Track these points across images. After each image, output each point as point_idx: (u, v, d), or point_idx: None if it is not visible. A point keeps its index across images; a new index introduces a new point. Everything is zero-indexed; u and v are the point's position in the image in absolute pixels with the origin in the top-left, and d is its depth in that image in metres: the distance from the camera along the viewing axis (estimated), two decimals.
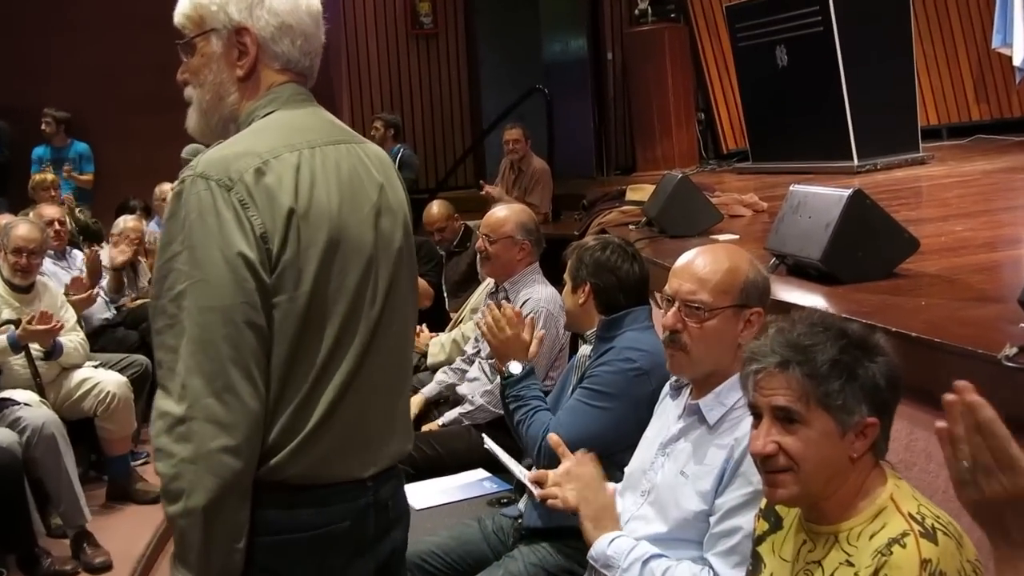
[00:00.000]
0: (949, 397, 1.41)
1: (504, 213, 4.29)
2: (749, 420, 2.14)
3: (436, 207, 6.36)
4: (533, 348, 3.14)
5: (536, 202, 7.93)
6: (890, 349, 1.76)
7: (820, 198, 3.26)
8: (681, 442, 2.30)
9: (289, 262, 1.69)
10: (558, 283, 3.66)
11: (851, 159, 6.98)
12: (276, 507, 1.72)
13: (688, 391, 2.35)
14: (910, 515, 1.69)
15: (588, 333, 3.17)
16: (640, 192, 5.86)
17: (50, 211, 6.37)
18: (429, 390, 4.55)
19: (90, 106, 9.54)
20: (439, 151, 10.81)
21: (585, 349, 3.19)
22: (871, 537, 1.70)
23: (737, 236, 4.58)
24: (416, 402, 4.41)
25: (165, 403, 1.65)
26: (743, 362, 1.82)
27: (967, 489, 1.42)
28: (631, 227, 5.36)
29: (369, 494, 1.82)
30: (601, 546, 2.25)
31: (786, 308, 2.82)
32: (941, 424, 1.42)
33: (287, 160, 1.73)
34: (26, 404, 4.63)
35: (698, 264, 2.30)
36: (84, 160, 9.39)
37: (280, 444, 1.70)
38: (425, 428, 4.35)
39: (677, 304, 2.28)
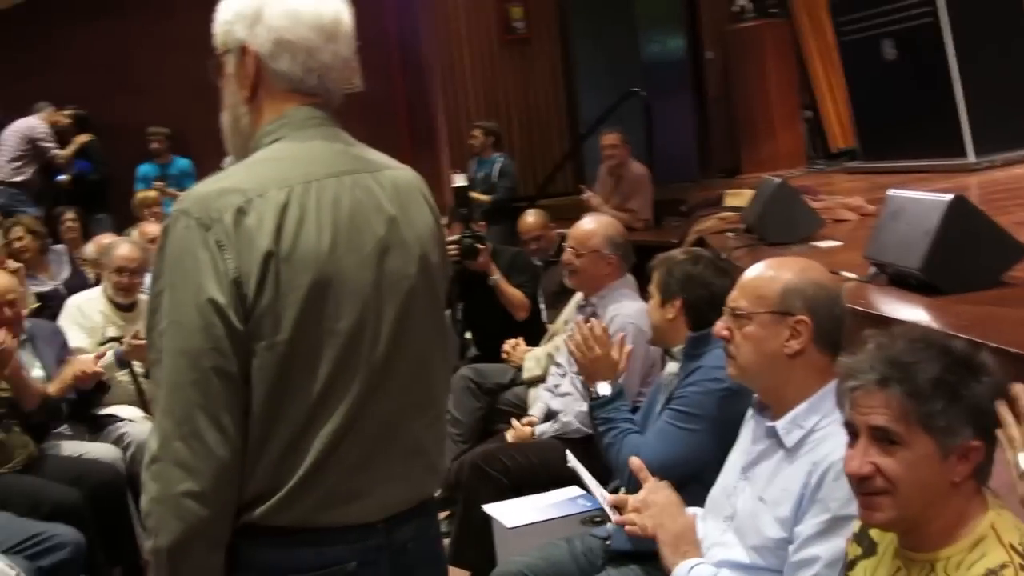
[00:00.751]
0: (1002, 404, 1.42)
1: (591, 226, 4.29)
2: (829, 443, 2.13)
3: (531, 216, 6.39)
4: (622, 364, 3.14)
5: (636, 208, 7.91)
6: (997, 368, 1.72)
7: (919, 204, 3.20)
8: (761, 466, 2.29)
9: (266, 307, 1.65)
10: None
11: (967, 155, 6.79)
12: (274, 547, 1.72)
13: (767, 415, 2.34)
14: (1011, 546, 1.66)
15: (676, 350, 3.16)
16: (739, 198, 5.81)
17: (152, 229, 6.60)
18: (538, 414, 4.55)
19: (192, 123, 9.85)
20: (537, 159, 10.85)
21: (673, 367, 3.18)
22: (970, 567, 1.67)
23: (840, 243, 4.51)
24: (525, 431, 4.43)
25: (150, 438, 1.68)
26: (840, 377, 1.80)
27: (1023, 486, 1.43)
28: (730, 234, 5.32)
29: (380, 536, 1.78)
30: (680, 572, 2.24)
31: (884, 320, 2.77)
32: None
33: (273, 198, 1.68)
34: (130, 420, 4.83)
35: (749, 273, 2.38)
36: (186, 177, 9.71)
37: (268, 492, 1.69)
38: (521, 435, 4.37)
39: (727, 312, 2.37)
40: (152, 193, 8.56)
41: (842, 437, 1.86)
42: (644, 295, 3.62)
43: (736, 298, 2.37)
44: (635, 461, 2.56)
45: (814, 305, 2.26)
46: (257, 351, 1.65)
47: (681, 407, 2.92)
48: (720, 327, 2.38)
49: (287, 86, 1.79)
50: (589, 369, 3.14)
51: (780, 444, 2.25)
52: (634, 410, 3.50)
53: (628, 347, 3.26)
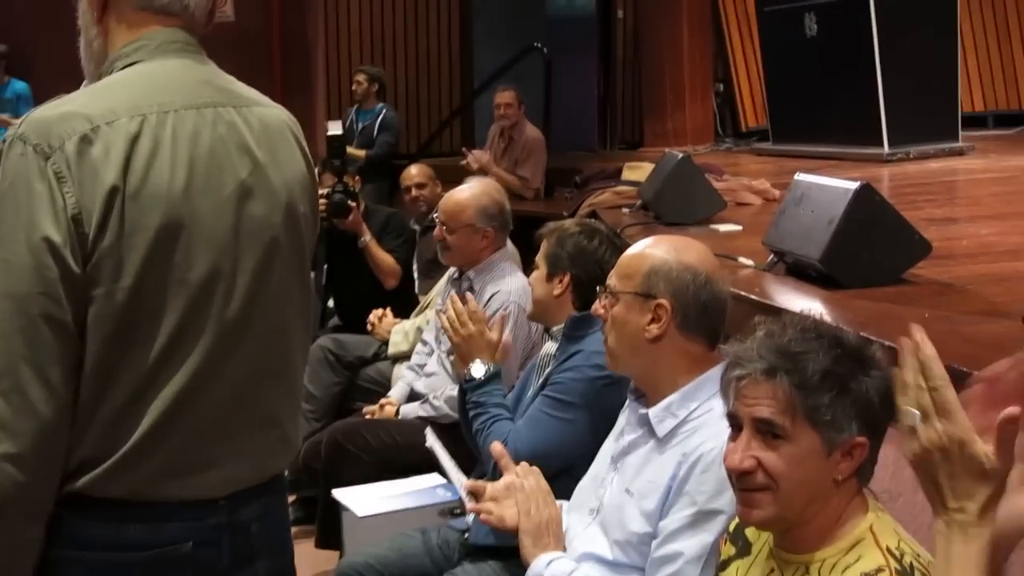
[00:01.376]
0: (903, 339, 1.49)
1: (462, 197, 4.22)
2: (701, 434, 2.17)
3: (415, 167, 6.38)
4: (500, 353, 3.14)
5: (527, 175, 7.93)
6: (886, 363, 1.77)
7: (825, 191, 3.28)
8: (631, 456, 2.33)
9: (108, 250, 1.61)
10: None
11: (881, 145, 7.00)
12: (102, 520, 1.67)
13: (644, 399, 2.38)
14: (888, 549, 1.71)
15: (555, 329, 3.17)
16: (638, 171, 5.88)
17: None
18: (398, 396, 4.54)
19: (33, 41, 9.52)
20: (423, 112, 10.82)
21: (550, 347, 3.18)
22: (844, 570, 1.72)
23: (740, 227, 4.61)
24: (388, 411, 4.42)
25: None
26: (725, 366, 1.83)
27: (911, 441, 1.51)
28: (625, 210, 5.38)
29: (221, 514, 1.74)
30: (538, 567, 2.27)
31: (778, 312, 2.83)
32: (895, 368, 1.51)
33: (123, 127, 1.64)
34: None
35: (628, 251, 2.46)
36: (22, 102, 9.39)
37: (97, 458, 1.65)
38: (383, 411, 4.37)
39: (601, 290, 2.45)
40: None
41: (716, 428, 1.90)
42: (528, 269, 3.63)
43: (611, 275, 2.44)
44: (497, 447, 2.56)
45: (678, 289, 2.31)
46: (95, 298, 1.61)
47: (555, 394, 2.93)
48: (596, 306, 2.44)
49: (139, 3, 1.75)
50: (462, 348, 3.13)
51: (652, 433, 2.29)
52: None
53: (509, 336, 3.26)
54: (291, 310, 1.83)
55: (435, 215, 4.45)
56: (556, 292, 3.16)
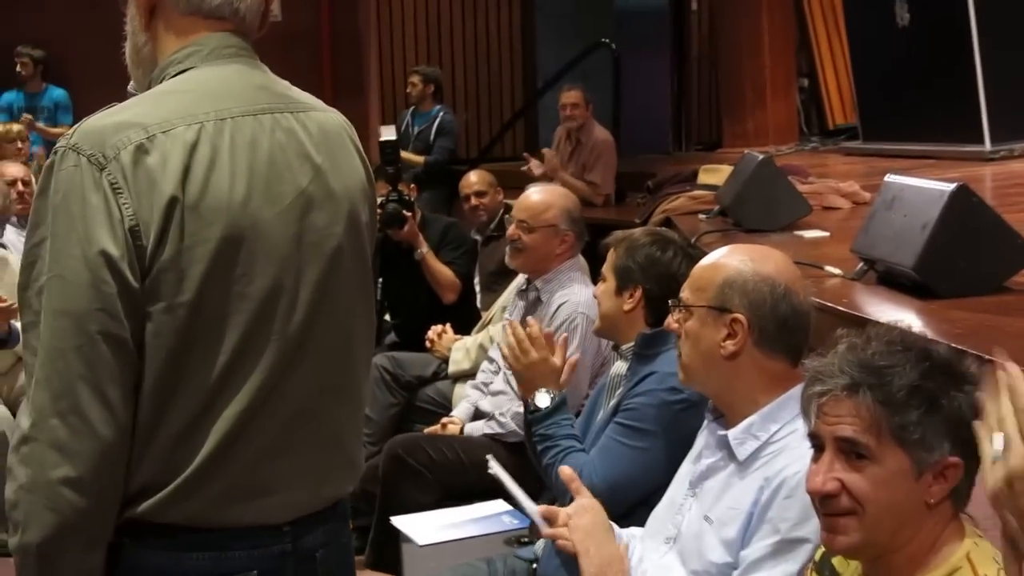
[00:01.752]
0: (996, 363, 1.47)
1: (546, 196, 4.30)
2: (784, 457, 2.18)
3: (474, 174, 6.44)
4: (565, 375, 3.17)
5: (597, 180, 7.95)
6: (982, 379, 1.77)
7: (918, 193, 3.26)
8: (710, 480, 2.35)
9: (167, 263, 1.65)
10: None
11: (983, 142, 6.91)
12: (162, 548, 1.71)
13: (723, 420, 2.40)
14: None
15: (626, 347, 3.19)
16: (715, 174, 5.87)
17: (13, 169, 6.45)
18: (462, 415, 4.57)
19: (72, 46, 9.70)
20: (483, 115, 10.89)
21: (621, 367, 3.21)
22: None
23: (827, 233, 4.59)
24: (451, 430, 4.45)
25: (21, 416, 1.66)
26: (805, 382, 1.84)
27: (993, 472, 1.44)
28: (701, 216, 5.39)
29: (285, 541, 1.79)
30: None
31: (867, 324, 2.83)
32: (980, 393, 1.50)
33: (180, 135, 1.68)
34: None
35: (703, 261, 2.49)
36: (60, 110, 9.57)
37: (158, 482, 1.69)
38: (446, 431, 4.40)
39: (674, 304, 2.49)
40: (17, 126, 8.41)
41: (801, 450, 1.91)
42: (595, 281, 3.64)
43: (684, 287, 2.47)
44: (567, 470, 2.59)
45: (754, 302, 2.32)
46: (154, 314, 1.65)
47: (629, 421, 2.94)
48: (669, 320, 2.48)
49: (187, 8, 1.80)
50: (524, 376, 3.15)
51: (732, 456, 2.31)
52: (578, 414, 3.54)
53: (574, 356, 3.28)
54: (355, 324, 1.87)
55: (507, 216, 4.49)
56: (626, 307, 3.18)
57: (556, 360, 3.15)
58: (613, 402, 3.10)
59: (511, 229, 4.29)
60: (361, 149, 1.95)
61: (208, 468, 1.69)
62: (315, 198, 1.79)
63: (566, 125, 8.21)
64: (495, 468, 2.83)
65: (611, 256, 3.26)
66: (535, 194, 4.36)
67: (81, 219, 1.63)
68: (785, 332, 2.32)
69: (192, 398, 1.68)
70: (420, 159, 8.77)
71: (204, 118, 1.71)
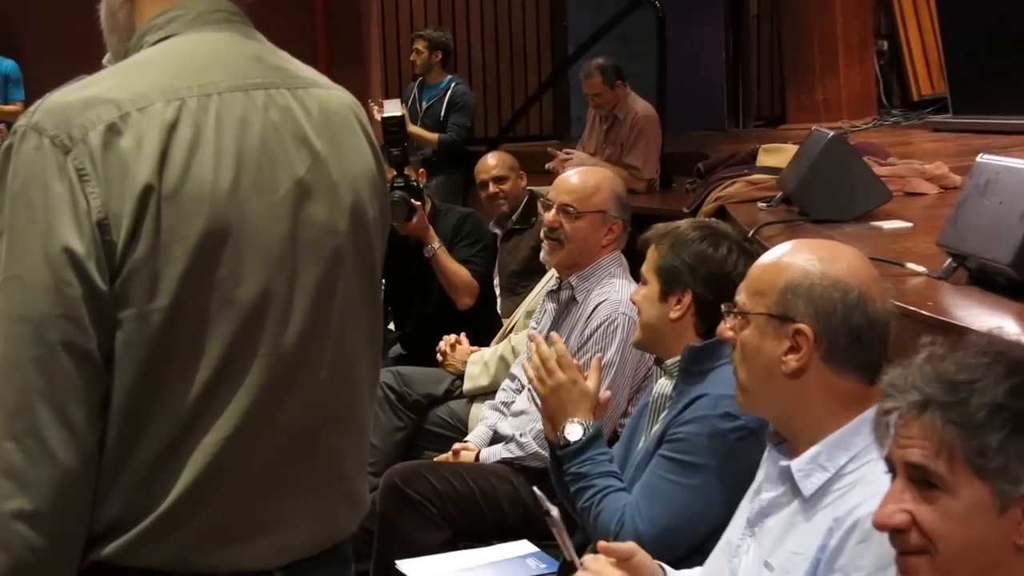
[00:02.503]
0: None
1: (593, 177, 4.27)
2: (859, 493, 2.16)
3: (494, 153, 6.42)
4: (599, 407, 3.14)
5: (638, 164, 7.92)
6: None
7: (1017, 175, 3.25)
8: (771, 519, 2.32)
9: (140, 262, 1.64)
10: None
11: None
12: None
13: (786, 446, 2.38)
14: None
15: (670, 362, 3.17)
16: (778, 155, 5.86)
17: None
18: (478, 440, 4.55)
19: (22, 13, 9.76)
20: (504, 86, 10.88)
21: (665, 385, 3.19)
22: None
23: (909, 224, 4.59)
24: (465, 458, 4.44)
25: None
26: (880, 398, 1.83)
27: None
28: (761, 205, 5.38)
29: None
30: None
31: (958, 331, 2.82)
32: None
33: (157, 114, 1.67)
34: None
35: (761, 259, 2.47)
36: (11, 84, 9.65)
37: (127, 520, 1.67)
38: (459, 458, 4.40)
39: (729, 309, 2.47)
40: None
41: (878, 485, 1.89)
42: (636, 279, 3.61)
43: (739, 290, 2.44)
44: (603, 546, 2.54)
45: (822, 310, 2.28)
46: (124, 322, 1.64)
47: (677, 454, 2.92)
48: (723, 327, 2.45)
49: None
50: (551, 403, 3.11)
51: (796, 491, 2.27)
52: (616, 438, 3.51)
53: (606, 393, 3.23)
54: (358, 337, 1.87)
55: (542, 201, 4.47)
56: (673, 315, 3.13)
57: (588, 383, 3.12)
58: (657, 428, 3.07)
59: (551, 215, 4.21)
60: (371, 133, 1.95)
61: (186, 504, 1.69)
62: (313, 189, 1.79)
63: (597, 111, 8.22)
64: (548, 507, 2.77)
65: (652, 254, 3.20)
66: (579, 174, 4.31)
67: (42, 210, 1.63)
68: (858, 346, 2.28)
69: (168, 421, 1.68)
70: (433, 136, 8.78)
71: (186, 94, 1.71)
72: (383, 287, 5.65)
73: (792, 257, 2.38)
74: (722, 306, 2.49)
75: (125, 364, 1.65)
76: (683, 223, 3.31)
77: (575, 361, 3.18)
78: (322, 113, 1.84)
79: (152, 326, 1.65)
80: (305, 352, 1.77)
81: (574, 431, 3.09)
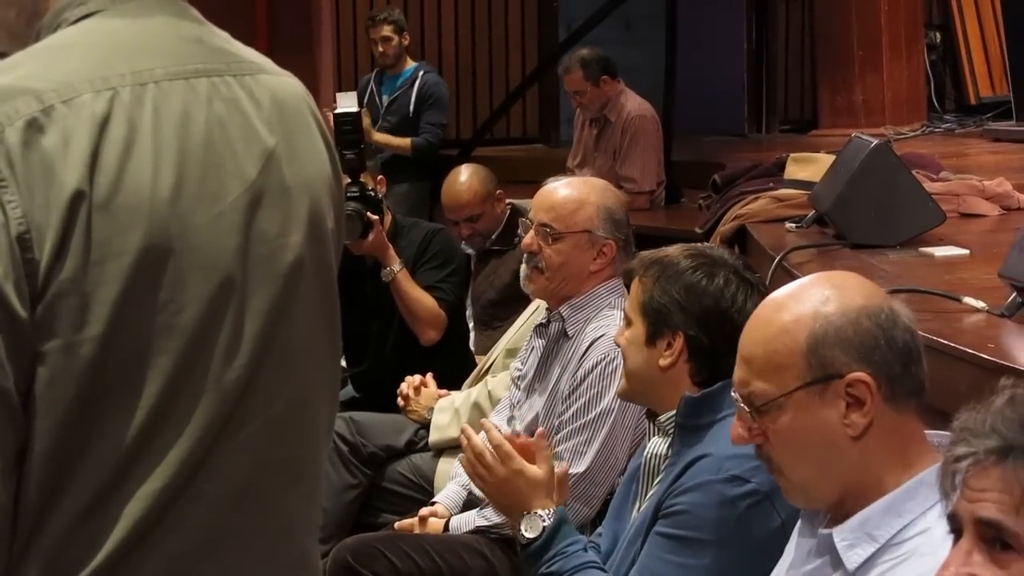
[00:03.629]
0: None
1: (576, 190, 4.24)
2: (913, 567, 2.17)
3: (465, 178, 6.31)
4: (559, 472, 3.19)
5: (633, 175, 7.97)
6: None
7: None
8: None
9: (69, 285, 1.63)
10: None
11: None
12: None
13: (823, 517, 2.39)
14: None
15: (664, 418, 3.19)
16: (810, 166, 5.89)
17: None
18: (449, 502, 4.56)
19: None
20: (481, 81, 10.89)
21: (659, 444, 3.19)
22: None
23: (966, 251, 4.61)
24: (434, 526, 4.44)
25: None
26: (948, 443, 1.84)
27: None
28: (790, 225, 5.39)
29: None
30: None
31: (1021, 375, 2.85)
32: None
33: (86, 107, 1.66)
34: None
35: (761, 309, 2.44)
36: None
37: None
38: (427, 526, 4.40)
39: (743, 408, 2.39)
40: None
41: (937, 557, 1.90)
42: None
43: (748, 378, 2.37)
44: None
45: (866, 347, 2.28)
46: (48, 355, 1.64)
47: (676, 530, 2.92)
48: (743, 435, 2.39)
49: None
50: (500, 502, 3.22)
51: (838, 563, 2.27)
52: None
53: (561, 466, 3.26)
54: (316, 370, 1.88)
55: (522, 220, 4.47)
56: (663, 362, 3.12)
57: (537, 470, 3.15)
58: (652, 496, 3.08)
59: (527, 237, 4.23)
60: (324, 128, 1.96)
61: (115, 568, 1.68)
62: (265, 195, 1.80)
63: (583, 113, 8.24)
64: None
65: (636, 289, 3.19)
66: (562, 188, 4.25)
67: None
68: (912, 363, 2.29)
69: (98, 471, 1.67)
70: (405, 142, 8.79)
71: (118, 82, 1.70)
72: None
73: (791, 312, 2.36)
74: (733, 395, 2.41)
75: (48, 405, 1.64)
76: (671, 249, 3.24)
77: (516, 443, 3.22)
78: (274, 104, 1.85)
79: (81, 360, 1.64)
80: (255, 388, 1.77)
81: (532, 526, 3.12)
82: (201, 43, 1.83)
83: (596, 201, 4.17)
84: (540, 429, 3.48)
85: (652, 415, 3.24)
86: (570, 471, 3.54)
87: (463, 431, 3.31)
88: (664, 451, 3.14)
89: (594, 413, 3.91)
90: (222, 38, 1.87)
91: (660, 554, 2.95)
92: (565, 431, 3.96)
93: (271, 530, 1.83)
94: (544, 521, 3.10)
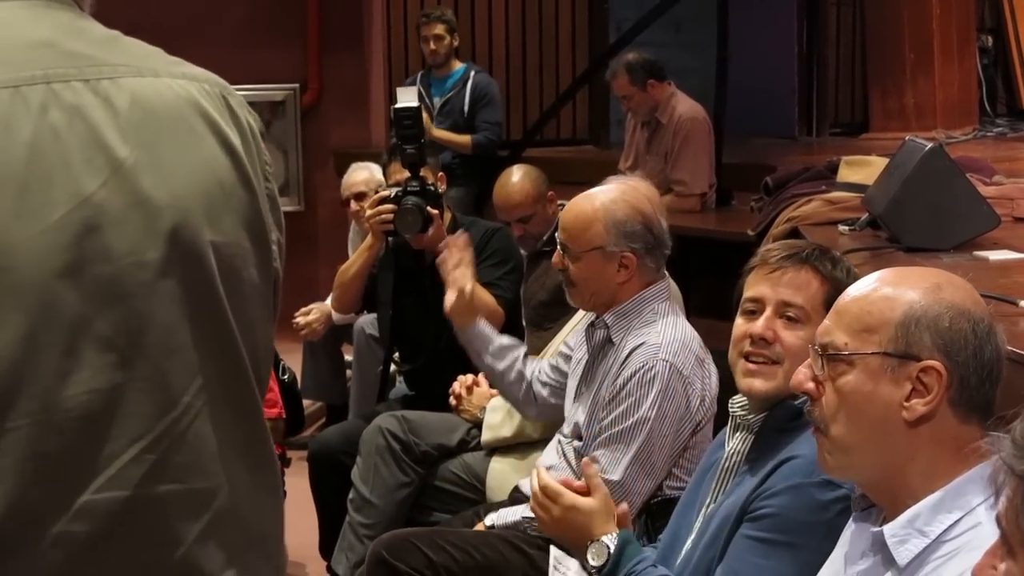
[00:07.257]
0: None
1: (585, 208, 4.22)
2: (962, 562, 2.17)
3: (517, 179, 6.28)
4: (619, 513, 3.26)
5: (684, 178, 7.96)
6: None
7: None
8: None
9: None
10: (712, 312, 3.65)
11: None
12: None
13: (878, 513, 2.41)
14: None
15: (748, 415, 3.19)
16: (863, 169, 5.89)
17: None
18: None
19: None
20: (531, 82, 10.89)
21: (742, 441, 3.19)
22: None
23: (1021, 255, 4.60)
24: None
25: None
26: (1001, 448, 1.83)
27: None
28: (843, 228, 5.40)
29: None
30: None
31: None
32: None
33: None
34: None
35: (850, 291, 2.45)
36: None
37: None
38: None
39: (817, 353, 2.42)
40: None
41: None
42: (696, 312, 3.61)
43: (832, 327, 2.42)
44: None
45: (953, 344, 2.30)
46: None
47: (767, 532, 2.93)
48: (804, 377, 2.43)
49: None
50: (565, 539, 3.31)
51: (890, 561, 2.29)
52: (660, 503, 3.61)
53: (622, 508, 3.35)
54: (200, 394, 1.75)
55: (556, 233, 4.46)
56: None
57: (590, 500, 3.23)
58: (733, 496, 3.07)
59: (555, 256, 4.26)
60: (230, 129, 1.83)
61: None
62: (109, 210, 1.67)
63: (634, 117, 8.24)
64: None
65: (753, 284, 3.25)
66: (576, 204, 4.28)
67: None
68: (989, 384, 2.31)
69: None
70: (465, 139, 8.80)
71: None
72: (390, 316, 5.67)
73: (899, 286, 2.38)
74: (811, 347, 2.44)
75: None
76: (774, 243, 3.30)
77: (564, 483, 3.32)
78: (136, 110, 1.73)
79: None
80: (108, 419, 1.67)
81: (599, 554, 3.18)
82: (51, 47, 1.72)
83: (603, 217, 4.15)
84: (586, 459, 3.54)
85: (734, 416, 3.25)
86: (605, 478, 3.58)
87: (537, 472, 3.41)
88: (746, 450, 3.16)
89: (631, 421, 3.92)
90: (93, 37, 1.77)
91: (750, 558, 2.96)
92: (603, 437, 3.98)
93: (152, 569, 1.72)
94: (609, 549, 3.16)
